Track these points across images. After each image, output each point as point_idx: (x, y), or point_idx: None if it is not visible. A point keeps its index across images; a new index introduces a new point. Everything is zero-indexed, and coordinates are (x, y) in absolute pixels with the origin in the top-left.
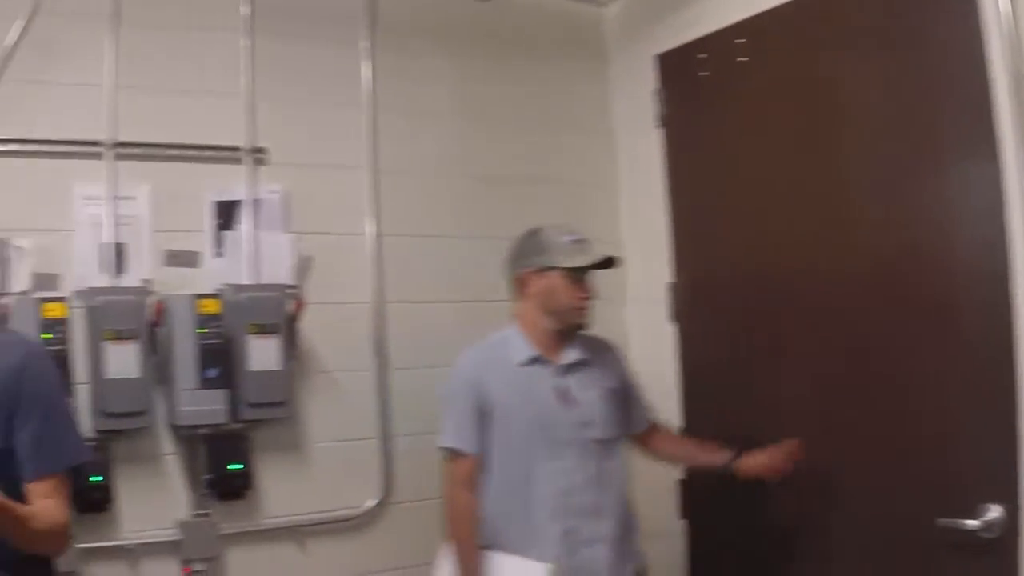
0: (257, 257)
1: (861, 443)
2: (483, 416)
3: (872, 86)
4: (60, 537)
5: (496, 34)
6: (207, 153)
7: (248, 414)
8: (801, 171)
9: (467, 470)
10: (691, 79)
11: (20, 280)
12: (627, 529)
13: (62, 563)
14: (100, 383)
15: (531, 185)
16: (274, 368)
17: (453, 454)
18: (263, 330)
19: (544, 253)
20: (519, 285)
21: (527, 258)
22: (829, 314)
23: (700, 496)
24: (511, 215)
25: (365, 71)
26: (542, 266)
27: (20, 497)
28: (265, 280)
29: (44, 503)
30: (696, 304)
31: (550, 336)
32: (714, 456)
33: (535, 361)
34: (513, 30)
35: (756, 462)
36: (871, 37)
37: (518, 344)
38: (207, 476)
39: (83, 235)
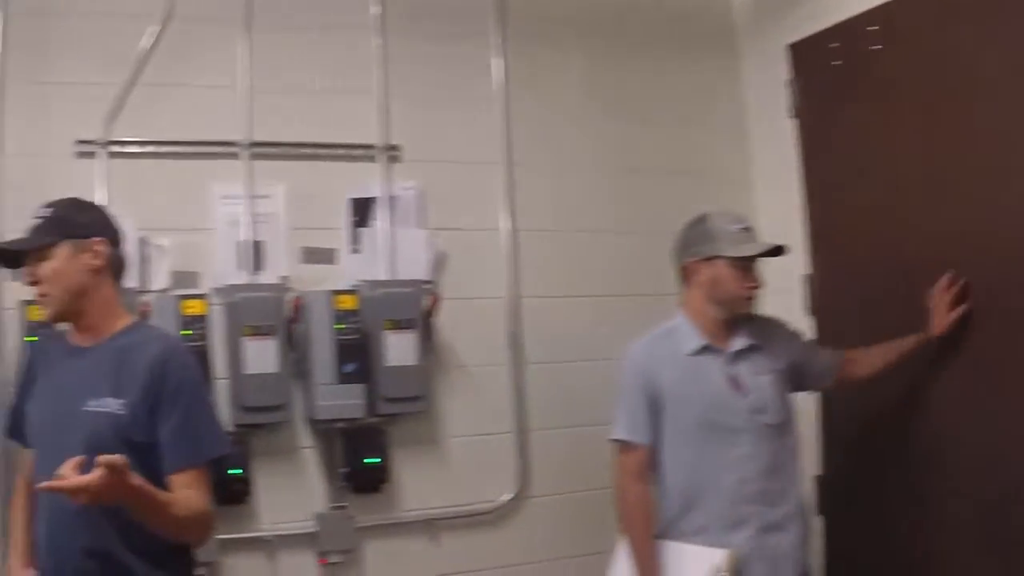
0: (393, 253)
1: (1015, 439)
2: (655, 407)
3: (1017, 65)
4: (201, 526)
5: (627, 26)
6: (341, 151)
7: (385, 408)
8: (940, 159)
9: (639, 461)
10: (823, 69)
11: (160, 278)
12: (803, 514)
13: (202, 554)
14: (239, 378)
15: (665, 178)
16: (410, 363)
17: (625, 446)
18: (399, 325)
19: (710, 242)
20: (686, 274)
21: (693, 247)
22: (975, 306)
23: (838, 492)
24: (645, 209)
25: (497, 66)
26: (708, 255)
27: (167, 489)
28: (401, 276)
29: (185, 493)
30: (834, 296)
31: (718, 324)
32: (905, 344)
33: (705, 350)
34: (644, 22)
35: (941, 318)
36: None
37: (687, 334)
38: (344, 469)
39: (221, 233)
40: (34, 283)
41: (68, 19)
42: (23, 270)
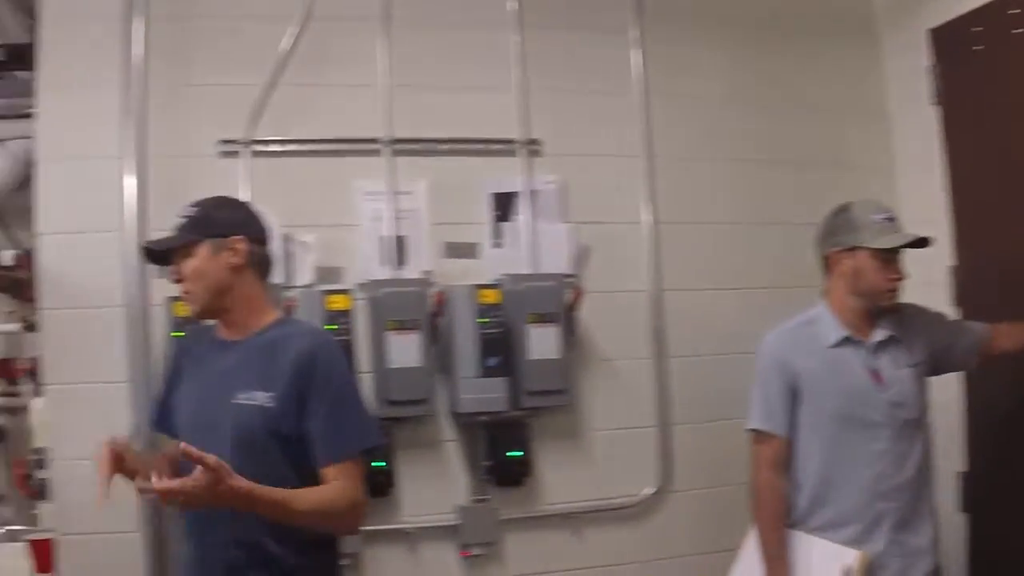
0: (535, 247)
1: None
2: (792, 398)
3: None
4: (349, 517)
5: (765, 15)
6: (482, 147)
7: (527, 402)
8: None
9: (775, 452)
10: (966, 54)
11: (305, 273)
12: (935, 511)
13: (346, 544)
14: (383, 372)
15: (806, 168)
16: (553, 356)
17: (760, 435)
18: (542, 319)
19: (853, 232)
20: (828, 264)
21: (835, 237)
22: None
23: (983, 489)
24: (788, 199)
25: (635, 59)
26: (851, 245)
27: (316, 481)
28: (543, 270)
29: (329, 486)
30: (980, 288)
31: (859, 315)
32: None
33: (846, 341)
34: (782, 11)
35: None
36: None
37: (828, 324)
38: (486, 463)
39: (365, 229)
40: (178, 281)
41: (209, 23)
42: (170, 268)
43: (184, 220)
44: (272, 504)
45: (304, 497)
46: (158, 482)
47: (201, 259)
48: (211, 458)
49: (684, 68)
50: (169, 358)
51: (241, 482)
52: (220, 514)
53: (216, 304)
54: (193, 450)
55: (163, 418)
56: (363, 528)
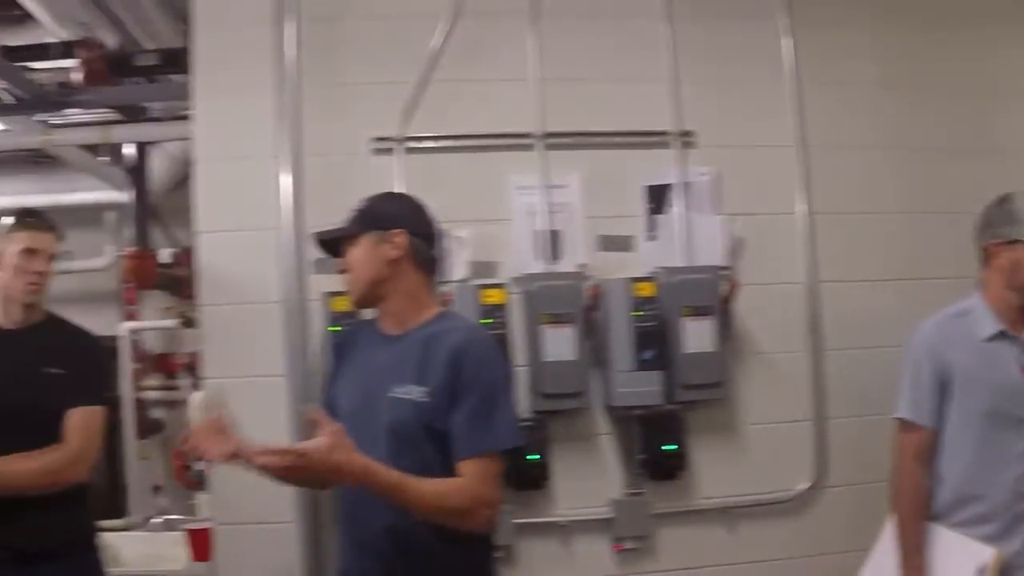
0: (689, 239)
1: None
2: (942, 390)
3: None
4: (464, 514)
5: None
6: (634, 139)
7: (682, 395)
8: None
9: (920, 443)
10: None
11: (460, 268)
12: None
13: (499, 537)
14: (538, 365)
15: (965, 156)
16: (708, 350)
17: (907, 426)
18: (697, 312)
19: (1013, 224)
20: (986, 256)
21: (994, 228)
22: None
23: None
24: (950, 188)
25: (786, 47)
26: (1010, 238)
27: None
28: (698, 262)
29: (450, 480)
30: None
31: (1015, 310)
32: None
33: (1000, 336)
34: None
35: None
36: None
37: (982, 317)
38: (641, 456)
39: (519, 223)
40: (342, 271)
41: (360, 22)
42: (335, 261)
43: (354, 213)
44: (386, 485)
45: (419, 486)
46: (277, 448)
47: (362, 250)
48: (333, 425)
49: (835, 55)
50: (332, 350)
51: (358, 456)
52: (374, 503)
53: (373, 295)
54: (317, 412)
55: (330, 410)
56: (516, 520)
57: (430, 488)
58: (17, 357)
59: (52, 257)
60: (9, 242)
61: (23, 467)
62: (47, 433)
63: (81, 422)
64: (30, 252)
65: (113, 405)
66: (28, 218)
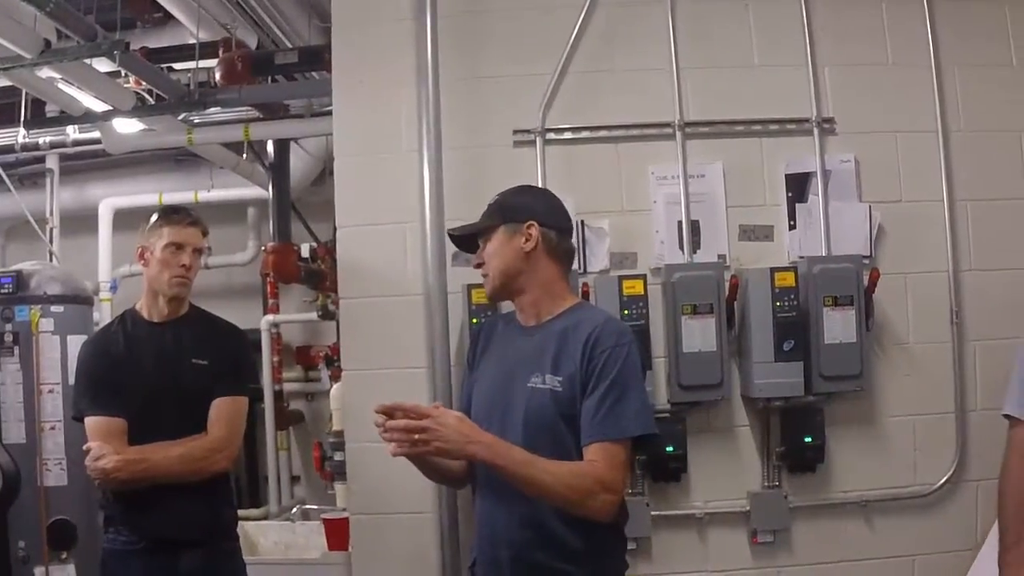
0: (831, 228)
1: None
2: None
3: None
4: (586, 499)
5: None
6: (775, 127)
7: (822, 387)
8: None
9: None
10: None
11: (600, 259)
12: None
13: (634, 528)
14: (677, 357)
15: None
16: (849, 340)
17: (1015, 421)
18: (839, 302)
19: None
20: None
21: None
22: None
23: None
24: None
25: (928, 27)
26: None
27: None
28: (840, 251)
29: (576, 462)
30: None
31: None
32: None
33: None
34: None
35: None
36: None
37: None
38: (780, 448)
39: (659, 214)
40: (479, 265)
41: (497, 15)
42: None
43: (487, 207)
44: (512, 461)
45: (543, 465)
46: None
47: (497, 243)
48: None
49: (978, 38)
50: (473, 341)
51: (486, 432)
52: (510, 494)
53: (508, 287)
54: (408, 404)
55: (468, 402)
56: (653, 513)
57: (555, 467)
58: (163, 348)
59: (197, 252)
60: (156, 237)
61: (166, 455)
62: (191, 422)
63: (225, 412)
64: (176, 247)
65: (255, 397)
66: (174, 214)
